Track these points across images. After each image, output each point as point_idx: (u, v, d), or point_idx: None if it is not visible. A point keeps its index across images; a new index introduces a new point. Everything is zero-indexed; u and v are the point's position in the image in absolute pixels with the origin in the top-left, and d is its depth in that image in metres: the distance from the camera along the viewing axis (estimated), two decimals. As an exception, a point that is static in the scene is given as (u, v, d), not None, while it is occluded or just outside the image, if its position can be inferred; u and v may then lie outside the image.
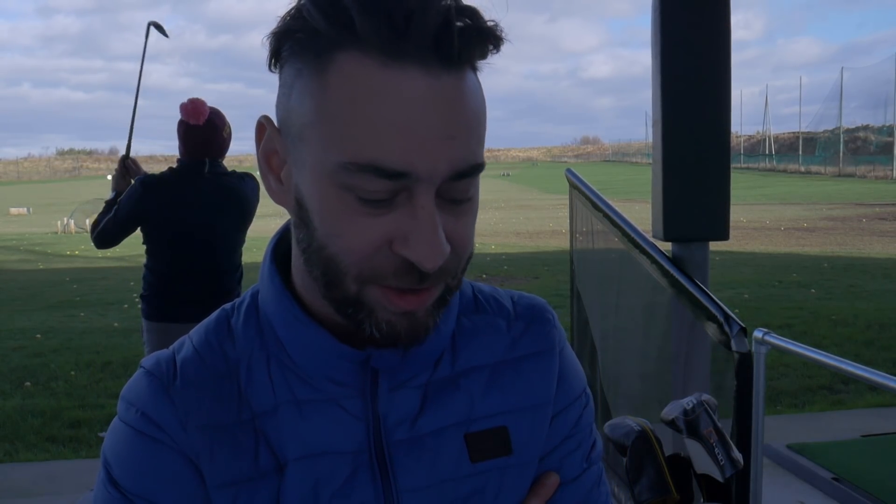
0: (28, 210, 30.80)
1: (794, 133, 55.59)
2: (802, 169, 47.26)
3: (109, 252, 16.55)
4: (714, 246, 3.08)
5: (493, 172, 65.58)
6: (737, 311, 2.66)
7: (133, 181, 3.28)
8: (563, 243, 11.29)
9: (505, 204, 27.75)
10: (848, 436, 4.57)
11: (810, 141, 50.00)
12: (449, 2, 0.59)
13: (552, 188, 35.39)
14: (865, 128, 45.44)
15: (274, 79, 0.68)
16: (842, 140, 42.75)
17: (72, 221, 21.69)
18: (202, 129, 3.21)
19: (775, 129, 60.00)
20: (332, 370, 0.70)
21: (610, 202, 3.36)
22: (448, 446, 0.72)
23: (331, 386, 0.71)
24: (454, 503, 0.72)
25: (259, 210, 3.43)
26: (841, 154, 42.69)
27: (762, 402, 2.58)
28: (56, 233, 21.30)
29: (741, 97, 62.91)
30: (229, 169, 3.36)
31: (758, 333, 2.65)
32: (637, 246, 2.98)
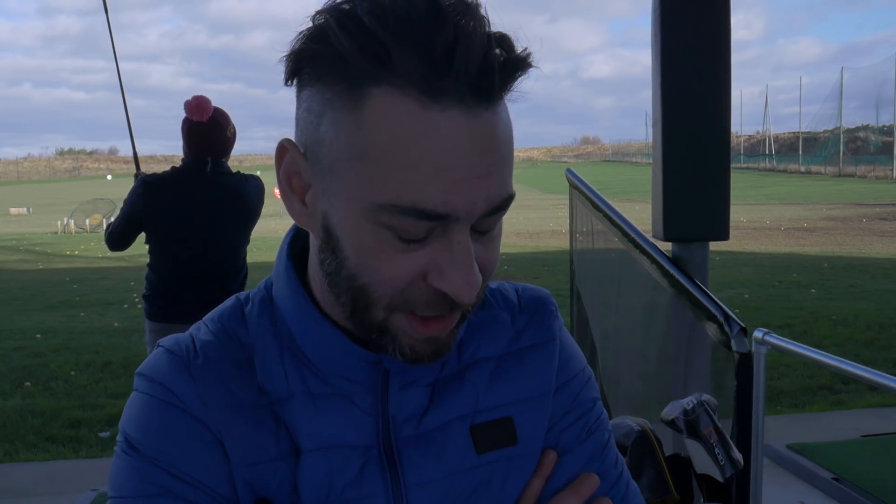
0: (28, 210, 30.80)
1: (794, 133, 55.59)
2: (802, 169, 47.26)
3: (110, 252, 16.49)
4: (714, 246, 3.08)
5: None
6: (737, 311, 2.66)
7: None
8: (563, 243, 11.28)
9: (505, 204, 27.69)
10: (848, 436, 4.57)
11: (810, 141, 50.00)
12: (486, 30, 0.58)
13: (552, 188, 35.38)
14: (865, 128, 45.43)
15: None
16: (842, 140, 42.74)
17: (72, 221, 21.68)
18: (205, 127, 3.19)
19: (775, 129, 60.05)
20: (344, 368, 0.71)
21: (610, 202, 3.35)
22: (454, 439, 0.73)
23: (342, 382, 0.72)
24: (462, 495, 0.73)
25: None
26: (841, 154, 42.69)
27: (762, 402, 2.58)
28: (56, 233, 21.30)
29: (741, 97, 62.99)
30: (232, 169, 3.35)
31: (758, 333, 2.65)
32: (637, 246, 2.98)
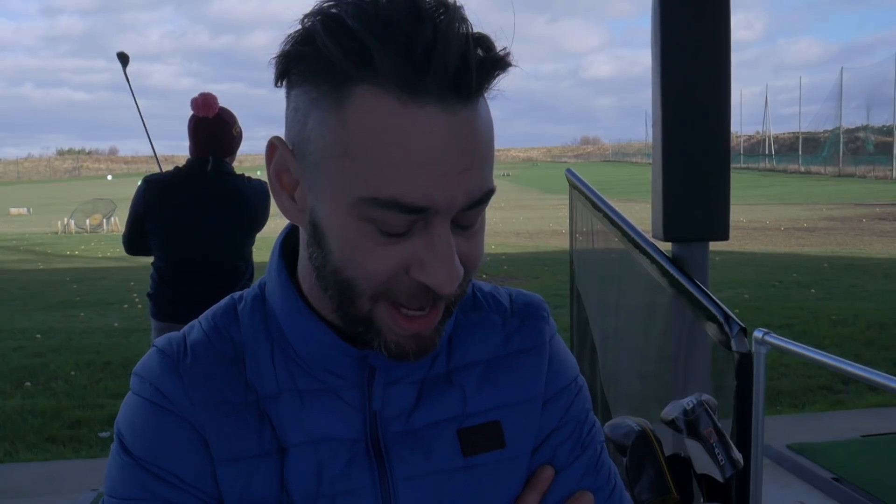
0: (28, 210, 30.81)
1: (794, 133, 55.59)
2: (802, 169, 47.26)
3: (109, 252, 16.56)
4: (714, 246, 3.08)
5: (494, 172, 65.41)
6: (737, 311, 2.66)
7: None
8: (563, 243, 11.28)
9: (505, 204, 27.74)
10: (848, 436, 4.57)
11: (810, 141, 50.01)
12: (466, 30, 0.60)
13: (552, 188, 35.40)
14: (865, 128, 45.42)
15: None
16: (842, 140, 42.74)
17: (72, 221, 21.69)
18: (211, 124, 3.19)
19: (775, 130, 60.06)
20: (331, 363, 0.73)
21: (610, 202, 3.36)
22: (442, 440, 0.74)
23: (330, 377, 0.73)
24: (450, 494, 0.74)
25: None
26: (841, 154, 42.69)
27: (762, 402, 2.58)
28: (56, 233, 21.31)
29: (741, 97, 62.85)
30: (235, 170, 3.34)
31: (758, 333, 2.65)
32: (637, 246, 2.98)
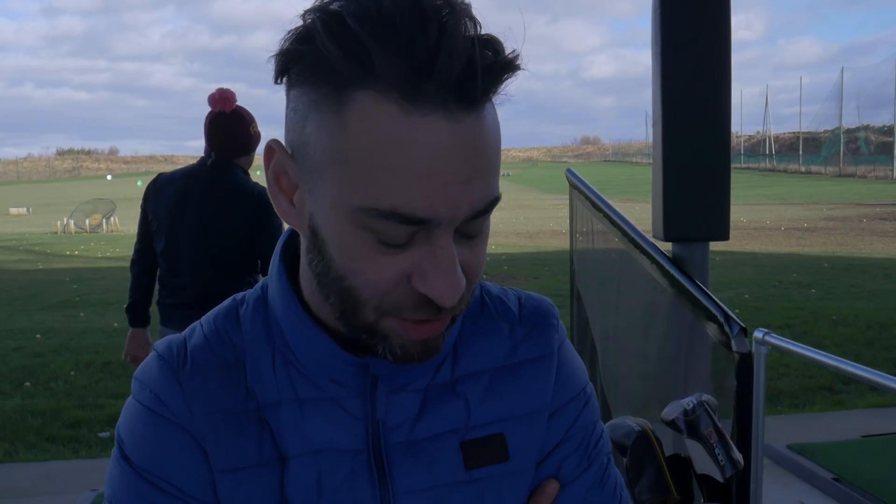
0: (28, 210, 30.80)
1: (794, 133, 55.57)
2: (803, 169, 47.26)
3: (109, 252, 16.56)
4: (714, 246, 3.08)
5: (493, 172, 65.44)
6: (737, 311, 2.66)
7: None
8: (563, 243, 11.28)
9: (505, 204, 27.71)
10: (848, 436, 4.57)
11: (811, 141, 50.00)
12: (473, 32, 0.58)
13: (552, 188, 35.40)
14: (866, 128, 45.41)
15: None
16: (842, 140, 42.74)
17: (71, 221, 21.69)
18: (227, 120, 3.08)
19: (775, 129, 60.01)
20: (333, 371, 0.71)
21: (610, 202, 3.35)
22: (445, 453, 0.72)
23: (332, 385, 0.72)
24: None
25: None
26: (841, 154, 42.68)
27: (762, 403, 2.58)
28: (56, 233, 21.31)
29: (741, 97, 62.90)
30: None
31: (758, 334, 2.65)
32: (637, 246, 2.98)
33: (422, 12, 0.57)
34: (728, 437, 1.95)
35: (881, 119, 44.20)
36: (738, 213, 18.53)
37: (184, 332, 0.77)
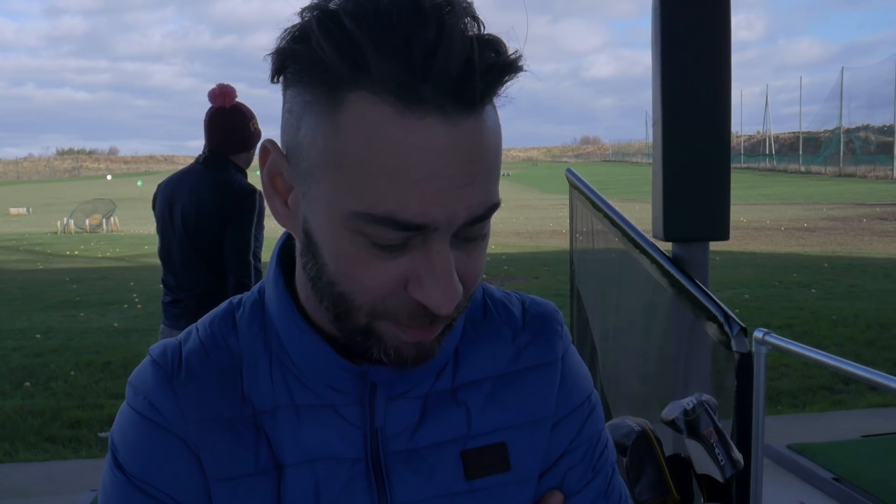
0: (28, 210, 30.80)
1: (794, 133, 55.57)
2: (803, 169, 47.25)
3: (109, 252, 16.55)
4: (714, 246, 3.08)
5: (493, 172, 65.44)
6: (737, 311, 2.66)
7: None
8: (563, 243, 11.28)
9: (505, 204, 27.55)
10: (848, 436, 4.57)
11: (811, 141, 49.99)
12: (472, 32, 0.56)
13: (552, 188, 35.40)
14: (866, 128, 45.41)
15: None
16: (842, 140, 42.73)
17: (71, 221, 21.68)
18: (227, 115, 3.07)
19: (776, 129, 59.99)
20: (330, 378, 0.70)
21: (610, 202, 3.36)
22: (445, 462, 0.71)
23: (330, 392, 0.70)
24: None
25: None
26: (841, 154, 42.68)
27: (762, 402, 2.58)
28: (56, 233, 21.30)
29: (741, 97, 62.85)
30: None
31: (758, 333, 2.65)
32: (637, 246, 2.98)
33: (420, 11, 0.55)
34: (728, 437, 1.95)
35: (881, 119, 44.21)
36: (738, 213, 18.53)
37: (179, 337, 0.75)
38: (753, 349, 2.53)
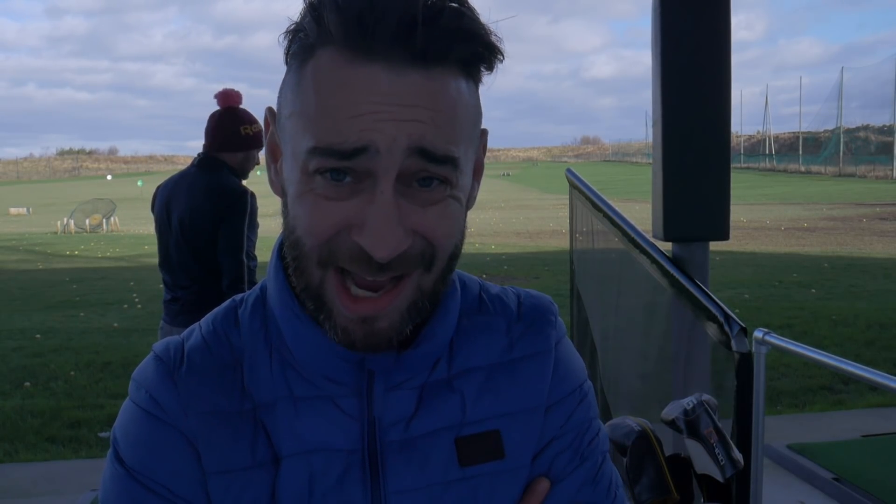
0: (28, 210, 30.79)
1: (794, 133, 55.57)
2: (803, 169, 47.26)
3: (109, 252, 16.56)
4: (714, 246, 3.08)
5: (493, 172, 65.59)
6: (737, 311, 2.66)
7: None
8: (563, 243, 11.28)
9: (505, 204, 27.73)
10: (848, 436, 4.57)
11: (811, 141, 49.99)
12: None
13: (552, 188, 35.40)
14: (866, 128, 45.40)
15: (277, 79, 0.70)
16: (842, 140, 42.74)
17: (71, 221, 21.68)
18: (220, 116, 3.15)
19: (775, 129, 60.00)
20: (329, 368, 0.71)
21: (610, 202, 3.36)
22: (439, 450, 0.72)
23: (328, 384, 0.71)
24: None
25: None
26: (841, 154, 42.68)
27: (762, 402, 2.58)
28: (56, 233, 21.30)
29: (741, 97, 62.85)
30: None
31: (758, 333, 2.65)
32: (637, 246, 2.98)
33: None
34: (728, 437, 1.95)
35: (881, 119, 44.21)
36: (738, 213, 18.53)
37: (182, 334, 0.77)
38: (753, 349, 2.54)
